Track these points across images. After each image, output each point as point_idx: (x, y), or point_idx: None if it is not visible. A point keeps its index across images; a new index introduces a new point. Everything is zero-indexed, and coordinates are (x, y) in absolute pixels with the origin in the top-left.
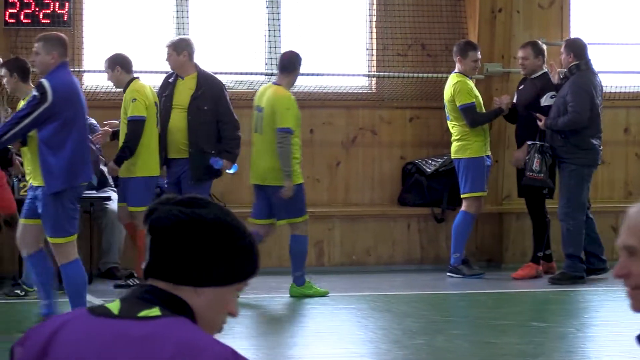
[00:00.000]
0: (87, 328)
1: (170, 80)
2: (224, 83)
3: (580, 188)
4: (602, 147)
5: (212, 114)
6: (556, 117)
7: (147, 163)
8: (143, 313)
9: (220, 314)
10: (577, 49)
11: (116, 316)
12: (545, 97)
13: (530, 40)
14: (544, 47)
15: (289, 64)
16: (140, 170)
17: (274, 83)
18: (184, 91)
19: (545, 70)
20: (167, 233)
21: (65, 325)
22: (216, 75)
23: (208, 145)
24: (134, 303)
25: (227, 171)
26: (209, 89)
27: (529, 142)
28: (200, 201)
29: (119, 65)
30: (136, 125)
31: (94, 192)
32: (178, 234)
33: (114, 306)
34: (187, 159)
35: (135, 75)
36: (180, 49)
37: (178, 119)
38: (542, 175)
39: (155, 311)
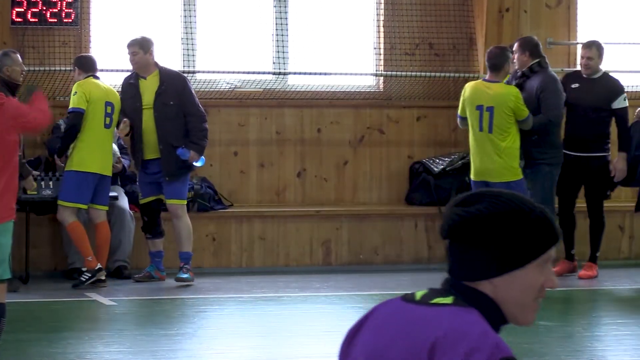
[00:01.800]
0: (390, 311)
1: (131, 81)
2: (185, 79)
3: (554, 189)
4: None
5: (178, 108)
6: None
7: (83, 158)
8: (436, 300)
9: (527, 293)
10: (532, 47)
11: (416, 302)
12: (619, 99)
13: (594, 41)
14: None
15: (500, 62)
16: (74, 165)
17: (489, 80)
18: (149, 90)
19: (604, 70)
20: (457, 235)
21: (376, 309)
22: (223, 74)
23: (177, 140)
24: (435, 292)
25: (195, 163)
26: (171, 84)
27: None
28: (474, 197)
29: (76, 65)
30: (74, 117)
31: None
32: (466, 233)
33: (420, 293)
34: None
35: (96, 75)
36: (147, 48)
37: (148, 119)
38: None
39: (448, 300)
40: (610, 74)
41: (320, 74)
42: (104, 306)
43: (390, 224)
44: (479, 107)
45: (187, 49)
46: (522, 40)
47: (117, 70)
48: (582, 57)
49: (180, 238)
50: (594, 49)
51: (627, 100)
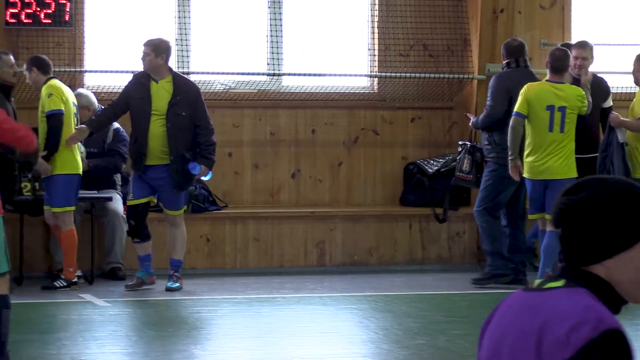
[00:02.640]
0: (510, 301)
1: (142, 81)
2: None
3: (497, 188)
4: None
5: (190, 119)
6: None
7: (66, 161)
8: (548, 285)
9: None
10: (508, 49)
11: (532, 289)
12: (608, 99)
13: (586, 41)
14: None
15: (564, 64)
16: (59, 168)
17: (555, 81)
18: (161, 96)
19: (592, 71)
20: (567, 222)
21: (502, 301)
22: (217, 75)
23: (188, 151)
24: (550, 278)
25: (203, 178)
26: (186, 95)
27: (460, 142)
28: (581, 184)
29: (35, 66)
30: (56, 120)
31: (95, 192)
32: (575, 220)
33: (538, 281)
34: (165, 165)
35: (54, 75)
36: (160, 52)
37: (156, 126)
38: (471, 176)
39: (559, 283)
40: (602, 75)
41: (315, 75)
42: (98, 307)
43: (385, 225)
44: (550, 108)
45: (182, 50)
46: (504, 44)
47: (110, 72)
48: (575, 58)
49: (175, 245)
50: (588, 49)
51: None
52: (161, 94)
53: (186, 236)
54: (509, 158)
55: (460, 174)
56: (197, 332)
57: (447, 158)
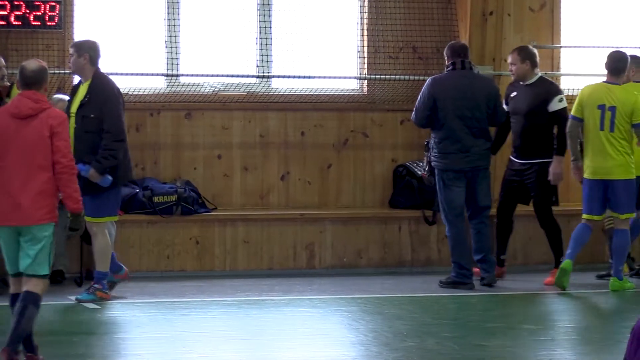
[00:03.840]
0: None
1: (75, 84)
2: (120, 89)
3: (443, 192)
4: (468, 152)
5: (99, 122)
6: None
7: None
8: None
9: None
10: (452, 49)
11: None
12: (553, 101)
13: (520, 46)
14: (534, 51)
15: (622, 66)
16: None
17: (611, 82)
18: (78, 98)
19: (540, 74)
20: None
21: None
22: (206, 78)
23: (88, 155)
24: None
25: (99, 182)
26: (95, 96)
27: (427, 142)
28: None
29: (88, 52)
30: None
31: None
32: None
33: None
34: None
35: None
36: (82, 51)
37: (71, 128)
38: (428, 173)
39: None
40: (595, 77)
41: (304, 77)
42: (87, 309)
43: (374, 227)
44: (601, 107)
45: (171, 52)
46: (448, 46)
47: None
48: (509, 63)
49: (95, 257)
50: (515, 54)
51: (563, 101)
52: (79, 95)
53: (106, 247)
54: (571, 159)
55: (424, 173)
56: (186, 335)
57: None
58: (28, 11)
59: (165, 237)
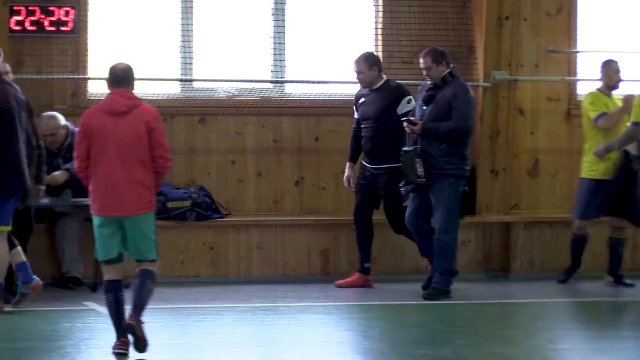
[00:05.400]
0: None
1: None
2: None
3: (459, 201)
4: None
5: None
6: (436, 122)
7: None
8: None
9: None
10: (446, 57)
11: None
12: (402, 103)
13: (363, 53)
14: (378, 56)
15: None
16: None
17: None
18: None
19: (386, 77)
20: None
21: None
22: (220, 83)
23: None
24: None
25: None
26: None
27: (405, 149)
28: None
29: (377, 65)
30: None
31: None
32: None
33: None
34: None
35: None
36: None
37: None
38: (425, 179)
39: None
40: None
41: (318, 82)
42: (101, 315)
43: (389, 233)
44: None
45: (185, 57)
46: (436, 52)
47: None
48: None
49: None
50: (362, 62)
51: (412, 102)
52: None
53: (2, 255)
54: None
55: (420, 180)
56: (201, 341)
57: None
58: (43, 16)
59: (179, 242)
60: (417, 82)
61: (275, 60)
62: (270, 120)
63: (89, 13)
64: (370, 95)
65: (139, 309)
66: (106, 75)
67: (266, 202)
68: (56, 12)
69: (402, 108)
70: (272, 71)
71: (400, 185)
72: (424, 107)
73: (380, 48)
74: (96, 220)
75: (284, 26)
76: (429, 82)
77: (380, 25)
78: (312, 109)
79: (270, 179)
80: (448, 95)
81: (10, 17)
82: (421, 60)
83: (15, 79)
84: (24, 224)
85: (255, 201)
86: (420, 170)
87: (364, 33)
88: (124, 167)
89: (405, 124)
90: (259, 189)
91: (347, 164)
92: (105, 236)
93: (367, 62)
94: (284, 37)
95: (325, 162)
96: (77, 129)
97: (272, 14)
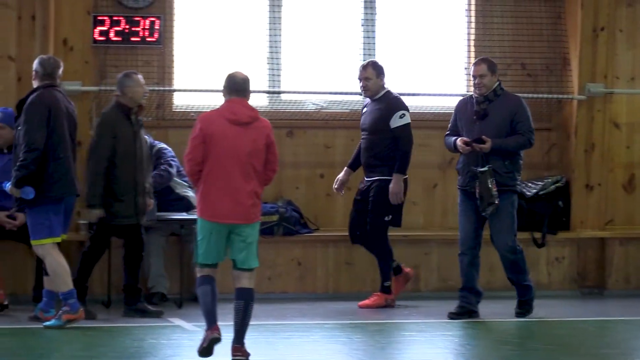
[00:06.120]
0: None
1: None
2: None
3: (515, 217)
4: None
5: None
6: (502, 139)
7: None
8: None
9: None
10: (497, 68)
11: None
12: (394, 117)
13: (370, 60)
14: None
15: None
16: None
17: None
18: None
19: (387, 89)
20: None
21: None
22: (309, 95)
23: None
24: None
25: (22, 195)
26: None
27: (481, 170)
28: None
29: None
30: None
31: (184, 214)
32: None
33: None
34: None
35: None
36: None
37: None
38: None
39: None
40: None
41: (407, 94)
42: (187, 332)
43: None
44: None
45: (273, 69)
46: (492, 61)
47: (200, 91)
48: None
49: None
50: (370, 68)
51: (405, 117)
52: None
53: (57, 268)
54: None
55: (496, 199)
56: (288, 358)
57: (545, 181)
58: (128, 27)
59: (266, 258)
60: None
61: None
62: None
63: (175, 23)
64: (371, 106)
65: (242, 335)
66: (224, 83)
67: None
68: (141, 22)
69: (394, 122)
70: None
71: (480, 209)
72: (477, 123)
73: (472, 59)
74: (205, 225)
75: (374, 37)
76: (474, 95)
77: (472, 37)
78: None
79: None
80: (506, 109)
81: (94, 27)
82: (475, 68)
83: (99, 90)
84: (135, 243)
85: (345, 216)
86: (494, 190)
87: (456, 45)
88: (244, 177)
89: (473, 143)
90: (348, 203)
91: (345, 168)
92: (212, 242)
93: (376, 69)
94: (374, 48)
95: (416, 176)
96: (193, 133)
97: (363, 25)
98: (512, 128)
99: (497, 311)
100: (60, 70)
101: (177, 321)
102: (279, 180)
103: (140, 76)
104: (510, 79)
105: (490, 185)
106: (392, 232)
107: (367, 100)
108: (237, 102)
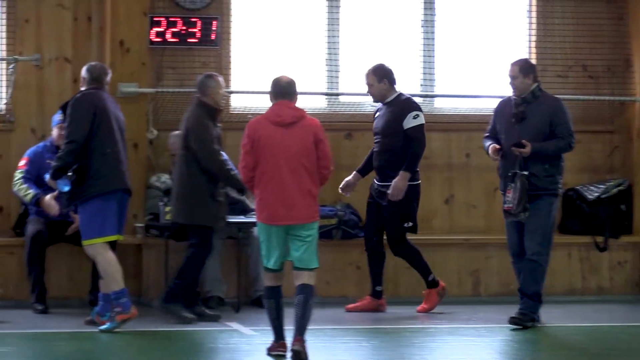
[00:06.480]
0: None
1: None
2: None
3: (554, 222)
4: None
5: None
6: (542, 142)
7: None
8: None
9: None
10: (534, 69)
11: None
12: (407, 118)
13: (374, 65)
14: (390, 68)
15: None
16: None
17: None
18: None
19: (399, 92)
20: None
21: None
22: (367, 97)
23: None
24: None
25: (58, 187)
26: None
27: (521, 173)
28: None
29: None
30: None
31: (242, 217)
32: None
33: None
34: None
35: None
36: None
37: None
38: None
39: None
40: None
41: (469, 96)
42: (245, 336)
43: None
44: None
45: (331, 70)
46: (523, 63)
47: (257, 93)
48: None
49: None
50: (371, 74)
51: (419, 118)
52: None
53: (107, 267)
54: None
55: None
56: None
57: (608, 184)
58: (184, 28)
59: (324, 262)
60: (572, 96)
61: (424, 73)
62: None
63: (232, 24)
64: (382, 110)
65: (302, 329)
66: (270, 87)
67: None
68: (198, 23)
69: (407, 123)
70: (421, 85)
71: (513, 210)
72: (516, 125)
73: (533, 61)
74: (263, 229)
75: (433, 38)
76: (512, 97)
77: (533, 38)
78: (462, 124)
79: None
80: (545, 111)
81: (151, 28)
82: (509, 69)
83: (156, 92)
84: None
85: (434, 216)
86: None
87: (516, 46)
88: (294, 177)
89: (512, 147)
90: None
91: (354, 172)
92: (272, 245)
93: (376, 74)
94: (434, 50)
95: (477, 180)
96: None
97: (422, 26)
98: (550, 131)
99: (557, 316)
100: (108, 77)
101: (235, 325)
102: (338, 183)
103: (221, 78)
104: (571, 80)
105: (525, 190)
106: (453, 236)
107: (380, 104)
108: (282, 105)
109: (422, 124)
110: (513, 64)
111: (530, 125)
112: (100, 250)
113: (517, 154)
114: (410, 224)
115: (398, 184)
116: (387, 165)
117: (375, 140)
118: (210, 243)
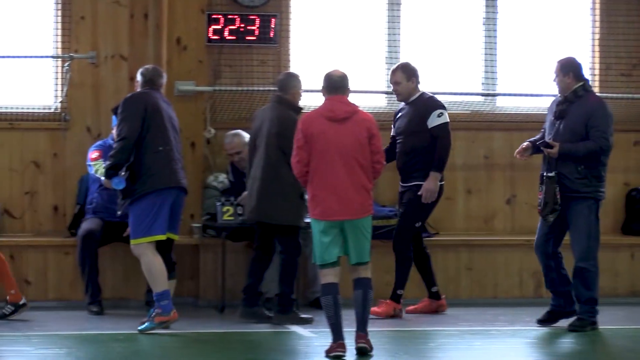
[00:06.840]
0: None
1: None
2: None
3: (598, 224)
4: None
5: None
6: (572, 143)
7: None
8: None
9: None
10: (576, 68)
11: None
12: (432, 116)
13: (400, 63)
14: (416, 67)
15: None
16: None
17: None
18: None
19: (422, 91)
20: None
21: None
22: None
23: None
24: None
25: (113, 186)
26: None
27: (549, 175)
28: None
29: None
30: None
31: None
32: None
33: None
34: None
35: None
36: None
37: None
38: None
39: None
40: None
41: (531, 95)
42: (303, 338)
43: (605, 255)
44: None
45: (390, 68)
46: (564, 62)
47: (317, 91)
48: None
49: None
50: (399, 72)
51: (443, 116)
52: None
53: (151, 267)
54: None
55: (559, 207)
56: None
57: None
58: (242, 25)
59: (384, 262)
60: (637, 95)
61: (486, 72)
62: (481, 135)
63: (291, 22)
64: (405, 109)
65: (364, 325)
66: (322, 82)
67: (476, 221)
68: (257, 21)
69: (432, 121)
70: (483, 83)
71: (541, 213)
72: (556, 123)
73: (597, 60)
74: (318, 225)
75: (495, 37)
76: (559, 96)
77: (597, 37)
78: (524, 124)
79: (481, 196)
80: (583, 111)
81: (208, 25)
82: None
83: (214, 90)
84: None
85: (465, 220)
86: (558, 196)
87: (580, 44)
88: (348, 172)
89: (542, 147)
90: (469, 207)
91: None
92: (327, 240)
93: (405, 72)
94: (496, 48)
95: (534, 180)
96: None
97: (484, 24)
98: (586, 132)
99: (620, 318)
100: (163, 80)
101: (293, 327)
102: (396, 183)
103: (300, 77)
104: (635, 79)
105: (555, 192)
106: (515, 237)
107: (402, 104)
108: (334, 100)
109: (446, 122)
110: (557, 62)
111: (567, 125)
112: (145, 250)
113: (546, 154)
114: (420, 223)
115: (429, 185)
116: (409, 166)
117: (398, 141)
118: (299, 243)
